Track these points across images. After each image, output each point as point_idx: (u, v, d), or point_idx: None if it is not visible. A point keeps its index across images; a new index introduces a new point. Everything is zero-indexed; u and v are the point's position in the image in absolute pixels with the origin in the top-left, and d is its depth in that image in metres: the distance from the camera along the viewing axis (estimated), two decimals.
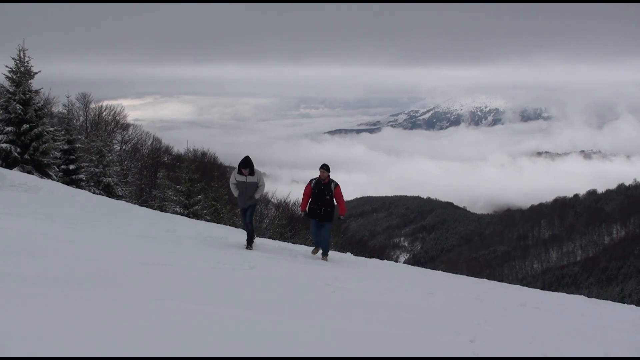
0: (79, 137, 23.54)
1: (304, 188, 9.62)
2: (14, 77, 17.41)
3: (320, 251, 9.85)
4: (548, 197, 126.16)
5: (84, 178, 20.68)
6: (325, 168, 9.27)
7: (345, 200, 9.56)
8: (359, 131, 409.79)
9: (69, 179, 19.72)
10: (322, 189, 9.21)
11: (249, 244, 9.40)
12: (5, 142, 17.09)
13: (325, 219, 9.33)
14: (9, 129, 17.22)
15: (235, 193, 9.20)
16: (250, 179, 9.00)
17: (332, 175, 9.39)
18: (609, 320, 7.31)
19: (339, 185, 9.33)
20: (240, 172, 9.00)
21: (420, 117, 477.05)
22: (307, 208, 9.45)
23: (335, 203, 9.47)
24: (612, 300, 15.25)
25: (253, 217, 9.36)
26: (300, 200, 9.77)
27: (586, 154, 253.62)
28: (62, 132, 20.92)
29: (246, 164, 8.91)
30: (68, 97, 25.24)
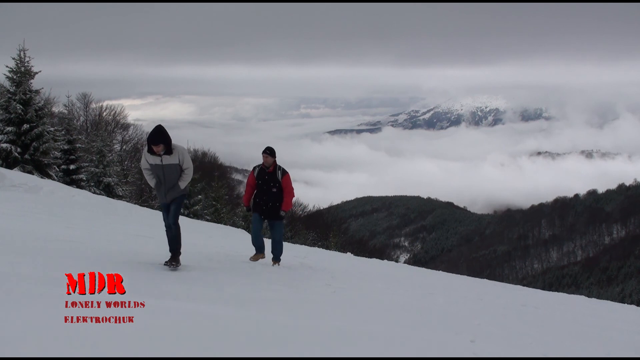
0: (79, 137, 23.55)
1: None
2: (15, 77, 17.45)
3: (268, 256, 7.92)
4: (548, 197, 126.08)
5: (84, 178, 20.70)
6: (268, 152, 7.40)
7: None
8: (359, 131, 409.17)
9: (69, 179, 19.73)
10: (267, 179, 7.41)
11: (174, 258, 6.13)
12: (6, 142, 17.10)
13: (275, 217, 7.53)
14: (10, 129, 17.24)
15: (152, 182, 6.36)
16: (167, 159, 6.05)
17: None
18: (610, 320, 7.31)
19: (288, 173, 7.56)
20: (151, 151, 6.02)
21: (421, 117, 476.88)
22: (250, 202, 7.68)
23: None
24: (612, 300, 15.26)
25: (178, 215, 6.34)
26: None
27: (586, 154, 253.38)
28: (63, 132, 20.94)
29: (158, 138, 5.91)
30: (68, 97, 25.31)
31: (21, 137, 17.42)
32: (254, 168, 7.58)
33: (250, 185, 7.58)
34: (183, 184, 6.21)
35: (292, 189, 7.60)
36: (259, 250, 7.64)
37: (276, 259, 7.82)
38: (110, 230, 9.05)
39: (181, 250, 6.23)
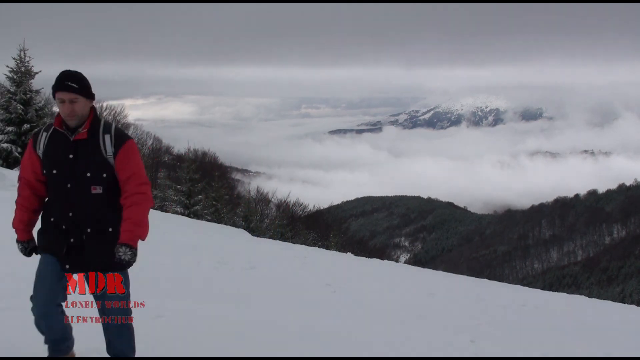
0: None
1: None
2: (15, 77, 17.45)
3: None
4: (549, 197, 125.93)
5: None
6: (77, 86, 2.60)
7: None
8: (359, 131, 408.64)
9: None
10: (73, 160, 2.73)
11: None
12: (6, 142, 17.11)
13: (104, 264, 2.89)
14: (10, 129, 17.24)
15: None
16: None
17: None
18: (610, 320, 7.30)
19: (132, 139, 2.80)
20: None
21: (421, 117, 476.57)
22: (31, 230, 3.02)
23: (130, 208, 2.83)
24: (612, 300, 15.21)
25: None
26: None
27: (587, 154, 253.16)
28: None
29: None
30: None
31: (21, 137, 17.42)
32: (34, 135, 2.90)
33: (28, 183, 3.06)
34: None
35: (146, 178, 2.85)
36: (56, 347, 2.76)
37: None
38: None
39: None
